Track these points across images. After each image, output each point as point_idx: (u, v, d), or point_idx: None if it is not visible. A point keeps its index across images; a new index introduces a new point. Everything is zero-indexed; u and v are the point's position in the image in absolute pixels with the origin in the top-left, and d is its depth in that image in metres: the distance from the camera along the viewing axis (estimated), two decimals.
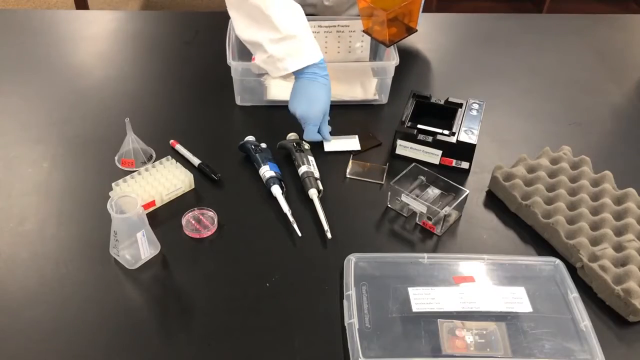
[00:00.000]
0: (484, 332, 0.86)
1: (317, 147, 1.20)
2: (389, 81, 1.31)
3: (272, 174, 1.10)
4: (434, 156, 1.17)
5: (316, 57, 1.18)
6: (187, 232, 1.02)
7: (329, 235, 1.01)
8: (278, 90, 1.32)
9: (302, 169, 1.11)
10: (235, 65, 1.25)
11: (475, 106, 1.22)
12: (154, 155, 1.17)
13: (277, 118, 1.28)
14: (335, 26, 1.37)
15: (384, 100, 1.34)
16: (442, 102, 1.22)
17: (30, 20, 1.62)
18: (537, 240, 1.04)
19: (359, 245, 1.01)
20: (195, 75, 1.42)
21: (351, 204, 1.10)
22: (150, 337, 0.87)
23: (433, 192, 1.08)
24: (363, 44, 1.40)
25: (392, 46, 1.31)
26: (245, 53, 1.37)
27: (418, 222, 1.06)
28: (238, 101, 1.31)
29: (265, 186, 1.10)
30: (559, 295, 0.93)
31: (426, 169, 1.10)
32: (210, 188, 1.12)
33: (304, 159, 1.13)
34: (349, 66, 1.42)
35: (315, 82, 1.18)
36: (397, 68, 1.29)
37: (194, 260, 0.99)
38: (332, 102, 1.20)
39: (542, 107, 1.37)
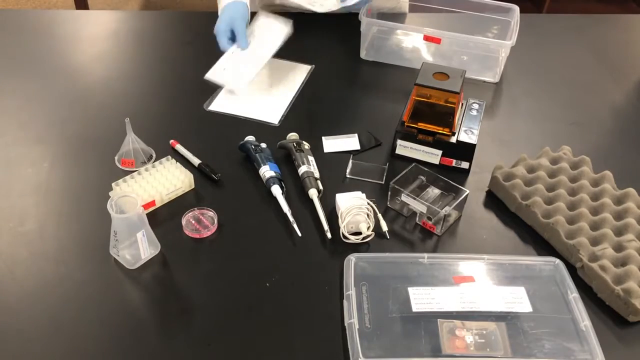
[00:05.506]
0: (484, 332, 0.86)
1: (317, 147, 1.20)
2: None
3: (272, 174, 1.10)
4: (434, 156, 1.17)
5: None
6: (187, 232, 1.02)
7: (329, 235, 1.01)
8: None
9: (302, 169, 1.11)
10: None
11: (475, 106, 1.21)
12: (154, 155, 1.17)
13: None
14: None
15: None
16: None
17: (30, 20, 1.62)
18: (537, 240, 1.04)
19: (358, 245, 1.01)
20: (195, 75, 1.41)
21: None
22: (150, 337, 0.87)
23: (433, 192, 1.08)
24: None
25: None
26: None
27: (418, 222, 1.06)
28: None
29: (265, 186, 1.10)
30: (559, 295, 0.93)
31: (426, 169, 1.10)
32: (210, 188, 1.11)
33: (304, 159, 1.13)
34: None
35: None
36: None
37: (194, 260, 0.99)
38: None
39: (542, 107, 1.37)
